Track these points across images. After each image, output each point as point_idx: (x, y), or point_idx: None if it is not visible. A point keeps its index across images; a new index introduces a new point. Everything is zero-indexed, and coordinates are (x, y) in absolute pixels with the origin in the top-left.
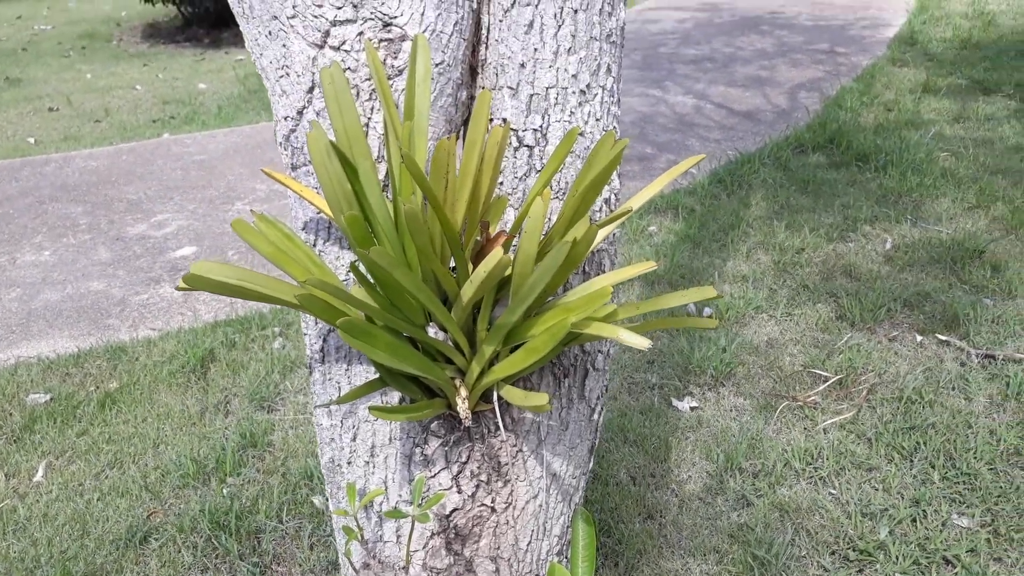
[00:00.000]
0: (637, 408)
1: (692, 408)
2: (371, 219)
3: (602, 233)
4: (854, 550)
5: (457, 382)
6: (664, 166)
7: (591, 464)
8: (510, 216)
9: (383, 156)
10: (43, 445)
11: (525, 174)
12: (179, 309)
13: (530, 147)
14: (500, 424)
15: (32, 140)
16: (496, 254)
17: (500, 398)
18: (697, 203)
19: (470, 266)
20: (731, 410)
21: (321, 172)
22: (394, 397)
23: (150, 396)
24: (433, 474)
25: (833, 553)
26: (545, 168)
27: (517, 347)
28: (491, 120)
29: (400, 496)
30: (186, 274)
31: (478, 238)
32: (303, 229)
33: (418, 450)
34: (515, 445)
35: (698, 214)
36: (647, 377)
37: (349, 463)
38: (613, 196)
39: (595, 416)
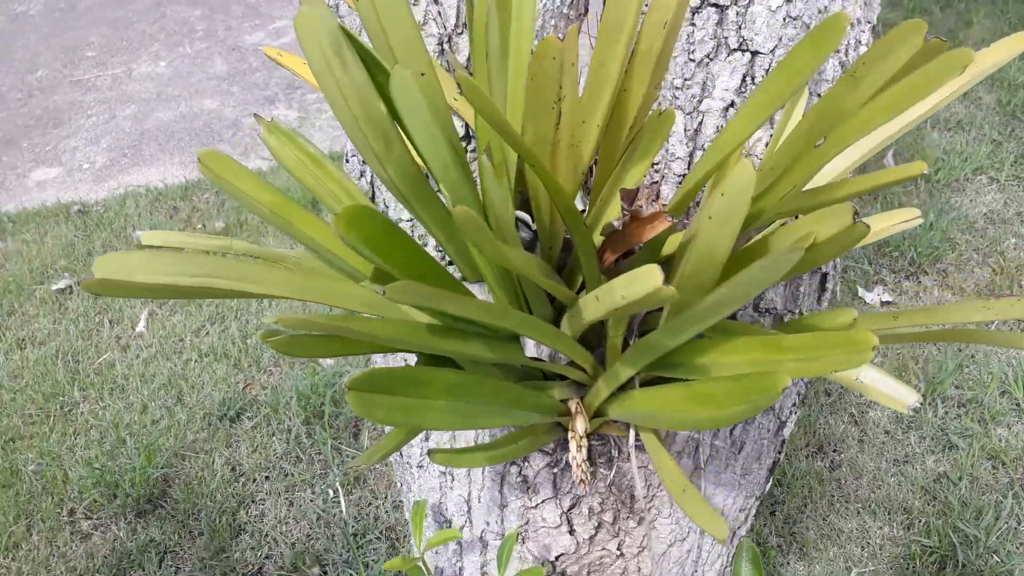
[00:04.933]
0: None
1: (884, 303)
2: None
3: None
4: None
5: (573, 404)
6: None
7: (768, 485)
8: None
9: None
10: None
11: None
12: None
13: (727, 6)
14: (634, 476)
15: None
16: (649, 274)
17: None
18: None
19: (596, 259)
20: None
21: (327, 83)
22: None
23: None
24: (535, 504)
25: None
26: (760, 89)
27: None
28: None
29: (487, 525)
30: (86, 280)
31: (616, 223)
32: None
33: (515, 468)
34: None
35: None
36: None
37: (420, 467)
38: None
39: (784, 430)
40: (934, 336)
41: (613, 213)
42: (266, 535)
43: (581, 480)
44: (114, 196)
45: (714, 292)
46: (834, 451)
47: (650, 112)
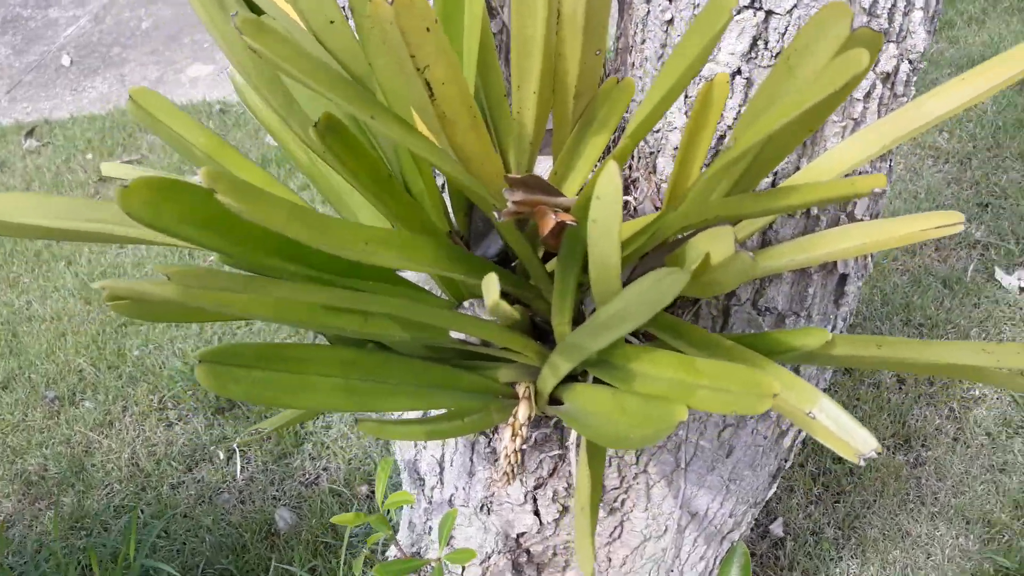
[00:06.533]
0: (940, 275)
1: (1023, 289)
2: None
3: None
4: None
5: (521, 388)
6: None
7: (771, 491)
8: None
9: None
10: None
11: None
12: None
13: None
14: (573, 473)
15: None
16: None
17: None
18: None
19: (532, 248)
20: None
21: (214, 35)
22: None
23: None
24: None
25: None
26: (657, 81)
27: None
28: None
29: (456, 490)
30: None
31: (509, 204)
32: None
33: (484, 438)
34: (635, 463)
35: None
36: (969, 230)
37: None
38: None
39: (786, 440)
40: (920, 368)
41: (573, 184)
42: (327, 447)
43: (505, 474)
44: None
45: (611, 304)
46: (922, 446)
47: (606, 80)
